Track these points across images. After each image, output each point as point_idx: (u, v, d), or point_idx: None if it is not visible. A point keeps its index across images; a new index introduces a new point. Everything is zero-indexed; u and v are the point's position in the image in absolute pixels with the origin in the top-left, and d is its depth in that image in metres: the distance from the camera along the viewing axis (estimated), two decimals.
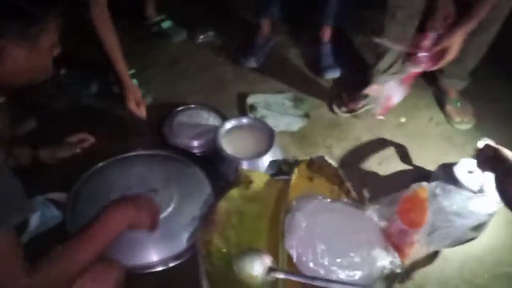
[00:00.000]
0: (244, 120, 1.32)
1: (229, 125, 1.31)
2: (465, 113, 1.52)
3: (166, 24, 1.81)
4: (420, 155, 1.40)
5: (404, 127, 1.51)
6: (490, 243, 1.16)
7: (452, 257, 1.14)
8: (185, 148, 1.34)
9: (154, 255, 1.06)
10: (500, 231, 1.19)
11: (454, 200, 1.01)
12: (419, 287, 1.11)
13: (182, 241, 1.08)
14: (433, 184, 1.04)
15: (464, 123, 1.51)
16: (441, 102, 1.57)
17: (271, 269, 0.95)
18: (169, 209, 1.11)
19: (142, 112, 1.36)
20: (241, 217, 1.09)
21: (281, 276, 0.95)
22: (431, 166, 1.32)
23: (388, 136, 1.46)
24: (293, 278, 0.96)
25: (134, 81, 1.41)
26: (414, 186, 1.07)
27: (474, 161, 1.08)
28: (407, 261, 1.12)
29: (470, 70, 1.47)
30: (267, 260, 0.96)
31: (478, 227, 1.06)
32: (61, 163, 1.24)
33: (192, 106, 1.48)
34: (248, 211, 1.10)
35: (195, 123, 1.42)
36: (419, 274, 1.12)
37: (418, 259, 1.13)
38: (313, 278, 0.95)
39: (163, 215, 1.09)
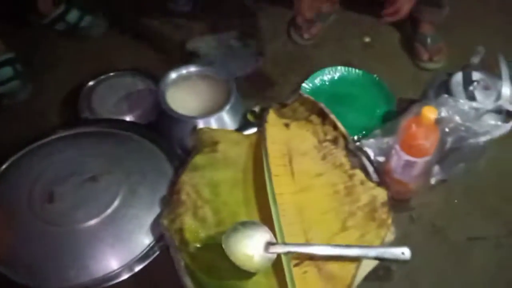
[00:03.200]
0: (192, 69, 1.05)
1: (173, 76, 1.03)
2: (436, 51, 1.24)
3: (73, 16, 1.31)
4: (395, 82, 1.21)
5: (372, 48, 1.32)
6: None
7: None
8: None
9: (113, 262, 0.80)
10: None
11: (465, 116, 0.83)
12: (432, 224, 0.96)
13: (144, 237, 0.83)
14: (441, 99, 0.85)
15: (432, 63, 1.25)
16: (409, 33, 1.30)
17: (270, 244, 0.74)
18: (117, 201, 0.84)
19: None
20: (214, 189, 0.85)
21: (284, 250, 0.74)
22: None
23: (356, 61, 1.26)
24: (299, 249, 0.75)
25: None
26: (416, 106, 0.88)
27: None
28: (414, 197, 0.97)
29: None
30: (264, 233, 0.75)
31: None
32: None
33: (111, 74, 1.17)
34: (222, 179, 0.87)
35: (119, 93, 1.12)
36: (428, 208, 0.97)
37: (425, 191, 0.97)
38: (324, 246, 0.75)
39: (110, 209, 0.83)
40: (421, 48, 1.25)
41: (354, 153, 0.92)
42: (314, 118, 0.97)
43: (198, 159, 0.90)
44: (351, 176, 0.88)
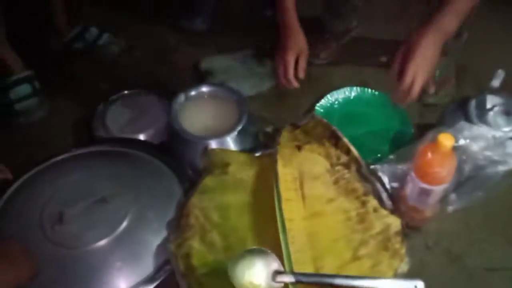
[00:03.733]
0: (204, 89, 1.05)
1: (186, 96, 1.03)
2: (441, 83, 1.14)
3: (92, 34, 1.34)
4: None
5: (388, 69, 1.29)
6: None
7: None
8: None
9: (120, 285, 0.79)
10: None
11: (484, 144, 0.80)
12: (448, 252, 0.92)
13: (151, 260, 0.82)
14: (458, 126, 0.83)
15: (436, 97, 1.15)
16: None
17: (277, 273, 0.72)
18: (125, 223, 0.83)
19: None
20: (223, 212, 0.84)
21: (291, 280, 0.72)
22: None
23: (372, 81, 1.24)
24: (307, 280, 0.73)
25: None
26: (432, 133, 0.86)
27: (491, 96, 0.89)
28: (430, 224, 0.94)
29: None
30: (272, 261, 0.73)
31: None
32: None
33: (125, 92, 1.18)
34: (231, 203, 0.85)
35: (133, 112, 1.13)
36: (444, 236, 0.94)
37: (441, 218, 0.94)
38: (334, 276, 0.73)
39: (118, 232, 0.82)
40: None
41: (368, 178, 0.89)
42: (326, 141, 0.96)
43: (208, 181, 0.89)
44: (364, 203, 0.85)
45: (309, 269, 0.77)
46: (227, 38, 1.37)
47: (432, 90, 1.13)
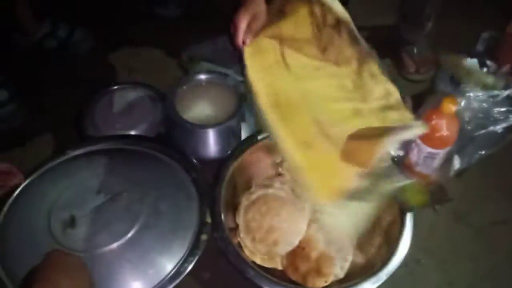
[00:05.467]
0: (200, 77, 1.03)
1: (180, 85, 1.01)
2: (422, 62, 1.19)
3: (63, 31, 1.25)
4: None
5: None
6: None
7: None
8: None
9: (138, 286, 0.76)
10: None
11: (484, 104, 0.84)
12: (454, 213, 0.96)
13: (170, 257, 0.79)
14: (459, 88, 0.86)
15: (418, 75, 1.20)
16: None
17: None
18: (139, 221, 0.80)
19: None
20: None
21: None
22: None
23: None
24: None
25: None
26: (432, 98, 0.88)
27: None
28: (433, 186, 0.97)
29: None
30: None
31: None
32: None
33: (112, 88, 1.12)
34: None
35: (122, 108, 1.08)
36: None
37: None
38: None
39: (133, 231, 0.79)
40: (408, 59, 1.21)
41: (360, 41, 0.78)
42: None
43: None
44: (359, 73, 0.77)
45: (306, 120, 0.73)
46: (205, 22, 1.33)
47: (412, 69, 1.19)
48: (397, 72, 1.22)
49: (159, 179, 0.89)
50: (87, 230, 0.79)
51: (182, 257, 0.79)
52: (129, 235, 0.79)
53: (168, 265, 0.79)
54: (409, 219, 0.82)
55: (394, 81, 0.79)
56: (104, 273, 0.77)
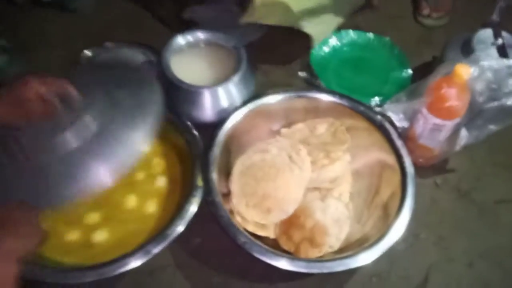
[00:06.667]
0: (198, 35, 0.98)
1: (178, 43, 0.96)
2: (435, 7, 1.18)
3: None
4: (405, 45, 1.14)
5: (378, 10, 1.25)
6: None
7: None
8: None
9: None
10: None
11: (497, 75, 0.79)
12: (457, 189, 0.93)
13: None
14: (473, 57, 0.81)
15: (430, 19, 1.19)
16: None
17: None
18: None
19: None
20: None
21: None
22: None
23: (363, 24, 1.20)
24: None
25: None
26: (443, 66, 0.83)
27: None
28: (437, 163, 0.93)
29: None
30: None
31: None
32: None
33: (108, 46, 1.08)
34: None
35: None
36: (453, 173, 0.94)
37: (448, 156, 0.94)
38: None
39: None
40: (423, 1, 1.19)
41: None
42: None
43: None
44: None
45: None
46: None
47: (426, 11, 1.18)
48: (411, 11, 1.23)
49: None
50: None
51: None
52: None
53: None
54: (410, 192, 0.79)
55: None
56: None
